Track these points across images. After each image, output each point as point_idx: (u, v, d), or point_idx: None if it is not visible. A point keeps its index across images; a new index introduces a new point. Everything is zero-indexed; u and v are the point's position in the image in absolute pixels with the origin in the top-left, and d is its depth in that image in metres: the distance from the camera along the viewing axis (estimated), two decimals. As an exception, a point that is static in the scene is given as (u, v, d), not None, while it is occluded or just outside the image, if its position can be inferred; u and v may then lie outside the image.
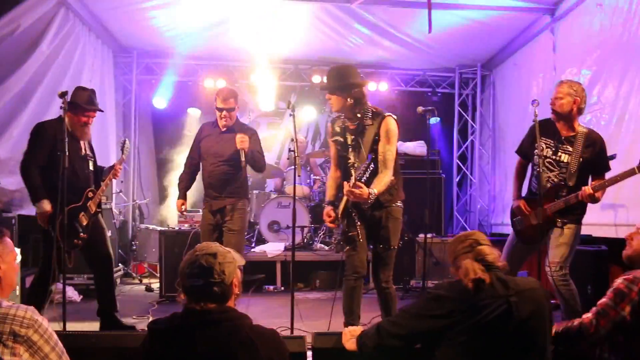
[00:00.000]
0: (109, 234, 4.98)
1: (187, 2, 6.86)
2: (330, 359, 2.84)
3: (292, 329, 4.35)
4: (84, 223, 4.62)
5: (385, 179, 3.88)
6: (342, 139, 4.16)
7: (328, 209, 4.15)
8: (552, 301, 2.62)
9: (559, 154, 4.28)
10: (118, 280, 7.20)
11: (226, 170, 5.05)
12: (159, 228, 7.51)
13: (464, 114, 9.60)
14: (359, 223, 4.04)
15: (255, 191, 8.22)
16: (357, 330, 2.73)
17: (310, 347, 2.87)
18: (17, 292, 5.09)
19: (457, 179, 9.66)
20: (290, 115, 4.57)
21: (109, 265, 4.85)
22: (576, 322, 2.82)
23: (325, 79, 4.28)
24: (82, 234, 4.59)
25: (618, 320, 2.68)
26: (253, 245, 7.60)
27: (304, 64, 9.13)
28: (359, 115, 4.07)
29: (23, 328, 2.07)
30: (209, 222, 5.13)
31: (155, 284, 6.92)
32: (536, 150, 4.30)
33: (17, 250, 4.89)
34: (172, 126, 8.96)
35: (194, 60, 8.83)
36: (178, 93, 8.94)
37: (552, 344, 2.48)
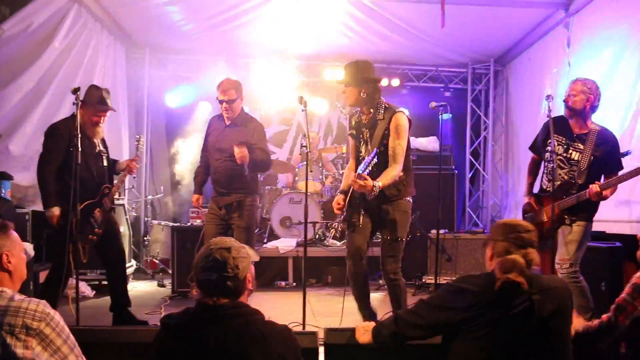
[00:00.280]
0: (121, 229, 5.01)
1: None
2: (342, 355, 2.83)
3: (304, 324, 4.35)
4: (99, 219, 4.66)
5: (392, 172, 3.96)
6: (355, 132, 4.36)
7: (339, 197, 4.24)
8: None
9: (570, 151, 4.28)
10: (131, 276, 7.24)
11: (232, 165, 4.92)
12: (171, 224, 7.54)
13: (476, 109, 9.55)
14: (363, 212, 4.15)
15: (267, 187, 8.22)
16: (370, 325, 2.72)
17: (322, 342, 2.86)
18: (31, 287, 5.14)
19: (470, 175, 9.61)
20: (302, 110, 4.56)
21: (121, 261, 4.89)
22: (596, 321, 2.79)
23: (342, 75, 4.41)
24: (97, 229, 4.64)
25: (636, 315, 2.65)
26: (265, 241, 7.61)
27: (316, 59, 9.11)
28: (371, 110, 4.22)
29: (35, 321, 2.08)
30: (214, 218, 5.05)
31: (168, 280, 6.95)
32: (548, 148, 4.28)
33: (30, 246, 4.99)
34: (184, 122, 8.97)
35: (207, 55, 8.82)
36: (190, 89, 8.95)
37: (573, 343, 2.44)
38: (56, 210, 4.43)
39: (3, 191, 5.23)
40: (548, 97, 4.26)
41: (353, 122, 4.42)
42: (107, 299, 4.91)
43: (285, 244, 7.19)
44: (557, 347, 2.32)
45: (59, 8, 6.14)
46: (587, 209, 4.24)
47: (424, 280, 6.90)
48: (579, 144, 4.25)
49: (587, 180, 4.18)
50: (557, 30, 7.14)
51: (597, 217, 4.31)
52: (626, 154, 4.36)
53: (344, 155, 8.45)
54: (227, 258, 2.12)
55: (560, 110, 4.39)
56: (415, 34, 7.88)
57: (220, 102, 4.99)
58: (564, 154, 4.30)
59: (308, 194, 4.63)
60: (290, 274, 7.14)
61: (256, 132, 5.03)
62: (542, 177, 4.56)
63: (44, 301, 2.16)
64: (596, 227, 4.32)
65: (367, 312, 4.24)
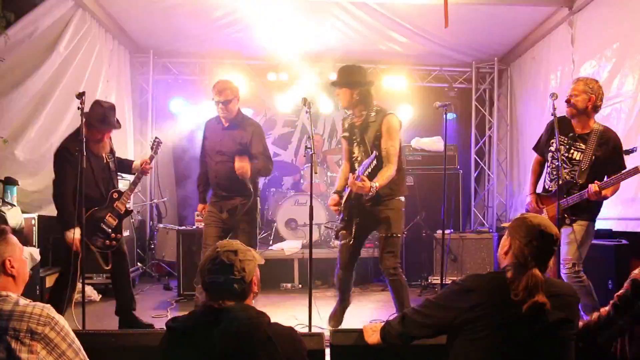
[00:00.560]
0: (126, 233, 5.01)
1: (204, 0, 6.89)
2: (348, 357, 2.83)
3: (310, 326, 4.35)
4: (113, 224, 4.68)
5: (388, 172, 4.20)
6: (348, 135, 4.55)
7: (334, 197, 4.60)
8: None
9: (572, 151, 4.28)
10: (136, 280, 7.26)
11: (232, 168, 4.82)
12: (176, 227, 7.54)
13: (481, 108, 9.52)
14: (357, 219, 4.40)
15: (272, 189, 8.22)
16: (378, 326, 2.71)
17: (328, 344, 2.86)
18: (37, 292, 5.16)
19: (475, 175, 9.57)
20: (306, 112, 4.54)
21: (125, 264, 4.88)
22: (594, 315, 2.78)
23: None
24: (113, 234, 4.66)
25: (635, 310, 2.64)
26: (271, 243, 7.61)
27: (320, 60, 9.10)
28: (363, 112, 4.41)
29: (40, 326, 2.09)
30: (214, 221, 4.97)
31: (174, 283, 6.96)
32: (551, 148, 4.27)
33: (37, 251, 5.00)
34: (189, 125, 8.97)
35: (211, 59, 8.84)
36: (195, 92, 8.96)
37: (577, 341, 2.42)
38: (77, 232, 4.29)
39: (9, 196, 5.24)
40: (552, 95, 4.25)
41: (346, 125, 4.60)
42: (113, 303, 4.91)
43: (290, 246, 7.18)
44: (560, 354, 2.30)
45: (63, 13, 6.16)
46: (589, 209, 4.23)
47: (430, 280, 6.89)
48: (581, 144, 4.25)
49: (588, 180, 4.18)
50: (561, 28, 7.12)
51: (603, 215, 4.30)
52: (632, 150, 4.35)
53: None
54: (234, 261, 2.13)
55: (563, 111, 4.38)
56: (419, 34, 7.88)
57: (216, 103, 4.90)
58: (566, 154, 4.29)
59: (313, 195, 4.63)
60: (296, 275, 7.14)
61: (255, 137, 4.96)
62: (545, 177, 4.56)
63: (48, 305, 2.17)
64: (603, 225, 4.31)
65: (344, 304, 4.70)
